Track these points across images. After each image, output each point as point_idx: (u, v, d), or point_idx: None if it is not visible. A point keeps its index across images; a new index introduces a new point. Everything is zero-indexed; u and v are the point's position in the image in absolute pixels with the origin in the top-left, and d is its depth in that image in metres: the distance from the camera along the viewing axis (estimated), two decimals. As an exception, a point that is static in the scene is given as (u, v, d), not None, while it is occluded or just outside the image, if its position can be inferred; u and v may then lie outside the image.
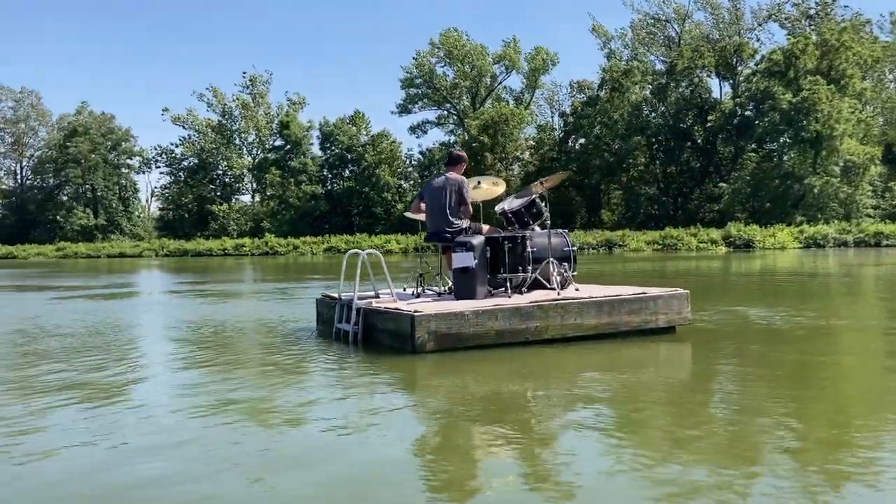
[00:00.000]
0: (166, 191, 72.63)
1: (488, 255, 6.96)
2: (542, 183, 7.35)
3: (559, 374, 5.73)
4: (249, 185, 70.90)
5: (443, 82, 65.85)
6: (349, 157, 63.80)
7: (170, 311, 11.95)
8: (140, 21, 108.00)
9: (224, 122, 69.98)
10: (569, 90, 66.34)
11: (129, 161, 73.87)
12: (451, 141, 65.45)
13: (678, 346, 6.75)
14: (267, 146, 69.46)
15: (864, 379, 5.45)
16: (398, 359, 6.16)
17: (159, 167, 73.01)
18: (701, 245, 40.05)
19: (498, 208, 7.62)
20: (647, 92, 57.88)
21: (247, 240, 55.00)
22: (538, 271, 7.10)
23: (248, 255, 50.24)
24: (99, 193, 70.19)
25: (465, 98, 67.40)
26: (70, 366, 6.31)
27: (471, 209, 7.35)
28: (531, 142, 62.73)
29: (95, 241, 63.19)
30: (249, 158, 70.91)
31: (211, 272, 26.65)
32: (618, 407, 4.60)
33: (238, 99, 69.74)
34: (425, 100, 66.87)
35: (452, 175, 7.43)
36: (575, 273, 7.43)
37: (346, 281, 7.52)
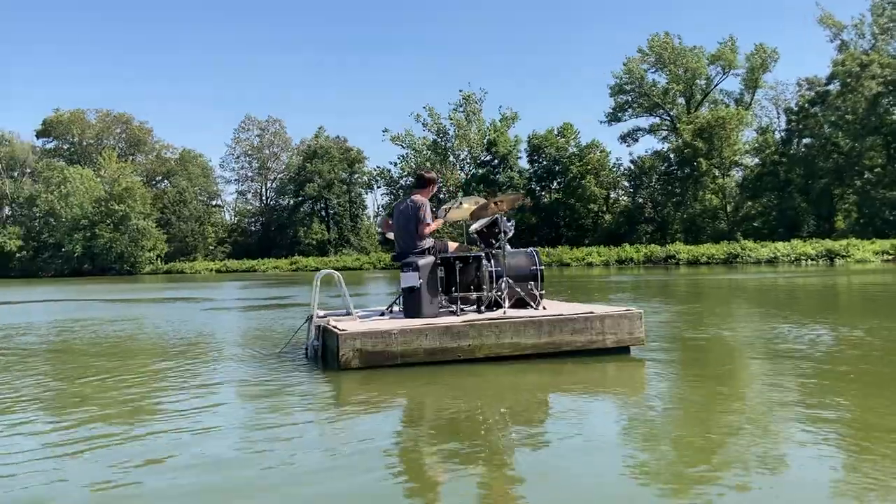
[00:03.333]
0: (385, 209, 77.47)
1: (441, 274, 7.00)
2: (496, 204, 7.25)
3: (490, 391, 5.66)
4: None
5: (654, 88, 63.78)
6: (556, 168, 63.74)
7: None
8: (362, 49, 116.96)
9: (438, 140, 73.10)
10: (796, 88, 61.36)
11: (360, 180, 79.84)
12: (664, 148, 63.03)
13: (624, 365, 6.32)
14: (478, 161, 71.52)
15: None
16: (326, 375, 6.40)
17: (380, 187, 78.30)
18: (940, 255, 35.34)
19: (471, 229, 7.63)
20: (886, 85, 51.78)
21: (450, 253, 57.24)
22: (496, 290, 7.01)
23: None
24: (332, 211, 76.47)
25: (678, 103, 64.71)
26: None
27: (426, 229, 7.40)
28: (748, 145, 58.70)
29: (328, 254, 69.02)
30: (462, 174, 73.43)
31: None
32: (550, 422, 4.61)
33: (452, 117, 72.36)
34: (636, 107, 65.13)
35: (415, 197, 7.60)
36: (543, 292, 7.21)
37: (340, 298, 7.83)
